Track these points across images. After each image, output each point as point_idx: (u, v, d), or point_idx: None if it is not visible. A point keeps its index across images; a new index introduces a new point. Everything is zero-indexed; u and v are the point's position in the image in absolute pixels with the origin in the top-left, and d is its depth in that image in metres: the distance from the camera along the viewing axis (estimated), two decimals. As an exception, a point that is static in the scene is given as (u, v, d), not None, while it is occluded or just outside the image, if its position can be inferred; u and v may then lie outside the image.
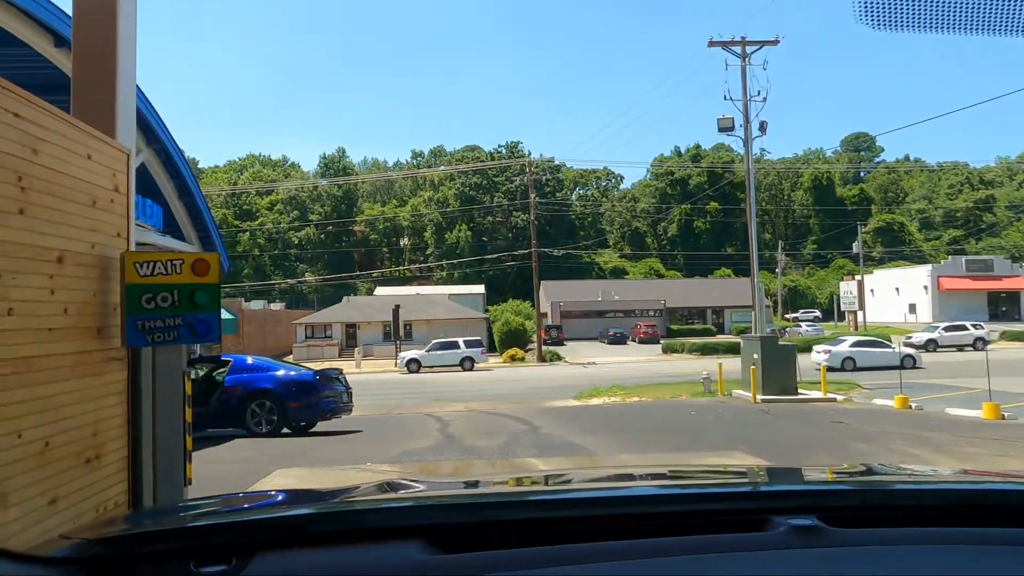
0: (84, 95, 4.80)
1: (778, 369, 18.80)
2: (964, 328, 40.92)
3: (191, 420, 5.35)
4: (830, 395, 19.08)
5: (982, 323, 42.87)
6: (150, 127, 12.56)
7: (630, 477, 2.09)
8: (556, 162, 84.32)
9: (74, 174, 3.95)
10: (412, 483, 1.87)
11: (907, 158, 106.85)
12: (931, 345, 39.12)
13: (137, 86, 11.99)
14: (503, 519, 1.31)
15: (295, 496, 1.77)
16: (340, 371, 14.06)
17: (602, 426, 13.55)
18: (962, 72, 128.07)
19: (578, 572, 1.07)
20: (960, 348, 39.63)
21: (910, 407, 16.69)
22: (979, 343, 39.42)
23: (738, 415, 15.32)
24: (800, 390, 19.29)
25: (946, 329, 40.85)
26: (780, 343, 20.34)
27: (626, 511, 1.34)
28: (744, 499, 1.50)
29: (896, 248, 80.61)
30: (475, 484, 2.14)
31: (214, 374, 13.13)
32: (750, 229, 23.70)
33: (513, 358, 43.33)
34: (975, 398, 18.31)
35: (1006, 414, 14.70)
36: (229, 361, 13.20)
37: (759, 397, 18.09)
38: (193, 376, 13.25)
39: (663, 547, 1.14)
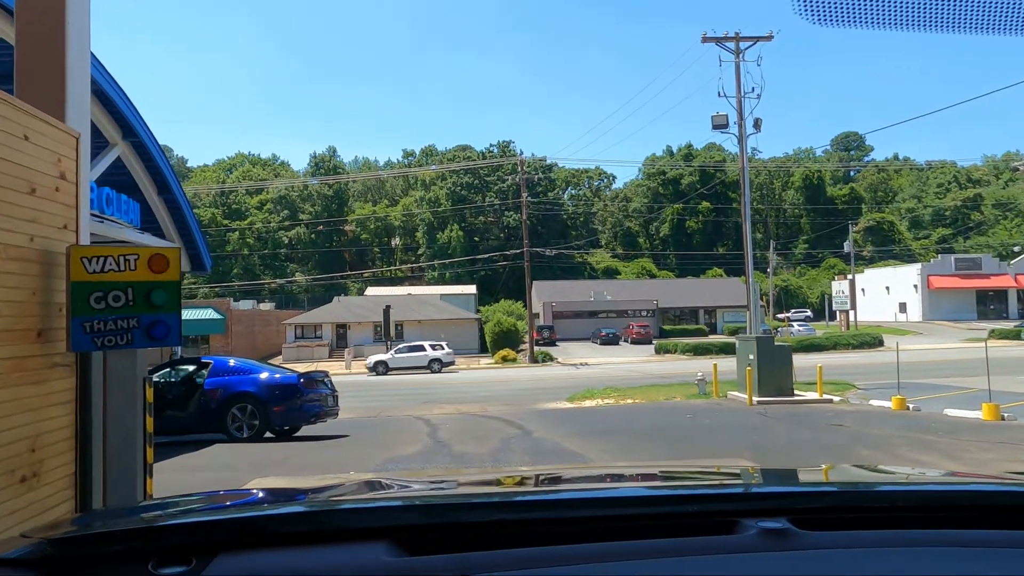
0: (28, 72, 4.34)
1: (774, 370, 18.50)
2: (421, 349, 38.19)
3: (152, 430, 4.92)
4: (826, 396, 18.79)
5: (443, 344, 39.24)
6: (126, 120, 12.08)
7: (606, 478, 2.07)
8: (548, 162, 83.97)
9: (6, 157, 3.50)
10: (388, 483, 1.85)
11: (896, 157, 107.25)
12: (381, 367, 36.67)
13: (111, 76, 11.56)
14: (473, 521, 1.27)
15: (262, 496, 1.72)
16: (325, 373, 13.60)
17: (597, 430, 13.15)
18: (949, 71, 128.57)
19: (543, 575, 1.06)
20: (414, 370, 36.62)
21: (907, 408, 16.40)
22: (435, 364, 37.20)
23: (735, 418, 14.97)
24: (796, 391, 19.01)
25: (399, 351, 38.20)
26: (776, 343, 20.03)
27: (597, 513, 1.32)
28: (715, 501, 1.46)
29: (886, 247, 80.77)
30: (449, 485, 2.10)
31: (194, 376, 12.66)
32: (744, 227, 23.40)
33: (505, 359, 42.93)
34: (972, 398, 18.05)
35: (1005, 415, 14.42)
36: (209, 363, 12.74)
37: (755, 399, 17.78)
38: (172, 379, 12.78)
39: (633, 550, 1.13)
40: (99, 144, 12.50)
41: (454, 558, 1.09)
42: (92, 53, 11.07)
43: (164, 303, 4.11)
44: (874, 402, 18.01)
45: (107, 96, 11.38)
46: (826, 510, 1.38)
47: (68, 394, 4.09)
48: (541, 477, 2.37)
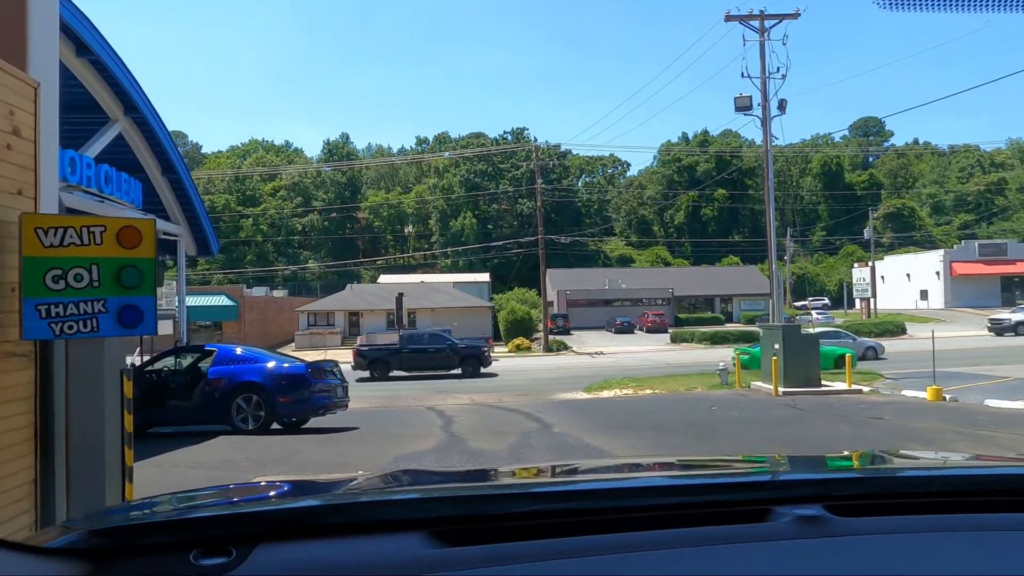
0: (-18, 14, 3.72)
1: (800, 359, 17.83)
2: None
3: (132, 429, 4.34)
4: (855, 386, 18.06)
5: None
6: (127, 94, 11.53)
7: (636, 467, 2.09)
8: (562, 149, 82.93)
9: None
10: (418, 474, 1.91)
11: (916, 142, 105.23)
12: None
13: (112, 47, 10.94)
14: (506, 511, 1.27)
15: (297, 487, 1.74)
16: (335, 363, 13.05)
17: (619, 423, 12.51)
18: (971, 52, 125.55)
19: (578, 566, 1.06)
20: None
21: (944, 399, 15.65)
22: None
23: (763, 410, 14.28)
24: (823, 381, 18.31)
25: None
26: (803, 332, 19.34)
27: (628, 503, 1.30)
28: (748, 489, 1.43)
29: (906, 233, 79.25)
30: (479, 476, 2.09)
31: (197, 365, 12.15)
32: (768, 212, 22.65)
33: (519, 348, 42.39)
34: (1010, 388, 17.36)
35: (1054, 407, 13.67)
36: (214, 351, 12.20)
37: (781, 389, 17.09)
38: (175, 367, 12.29)
39: (666, 539, 1.13)
40: (100, 120, 11.97)
41: (488, 549, 1.09)
42: (91, 22, 10.49)
43: (136, 284, 3.51)
44: (907, 392, 17.28)
45: (107, 68, 10.82)
46: (861, 496, 1.36)
47: (25, 389, 3.50)
48: (568, 469, 2.29)
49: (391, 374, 26.27)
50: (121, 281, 3.49)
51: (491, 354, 28.15)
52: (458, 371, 26.63)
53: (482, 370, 26.95)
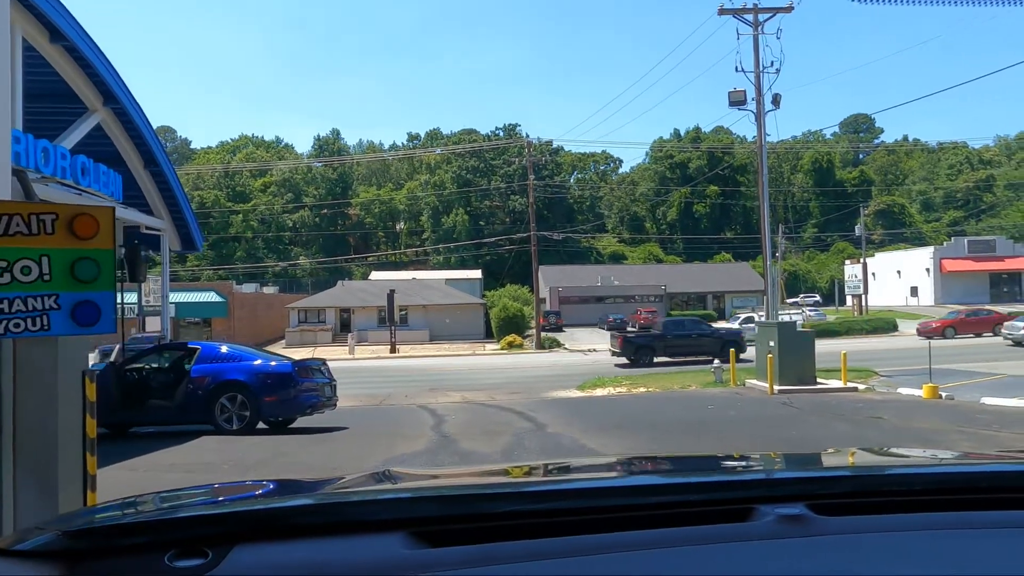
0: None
1: (796, 357, 17.64)
2: None
3: (94, 435, 4.03)
4: (850, 384, 17.89)
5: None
6: (105, 83, 11.14)
7: (621, 466, 2.07)
8: (554, 145, 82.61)
9: None
10: (403, 474, 1.88)
11: (906, 139, 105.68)
12: None
13: (89, 36, 10.54)
14: (488, 511, 1.25)
15: (277, 487, 1.71)
16: (323, 362, 12.71)
17: (614, 423, 12.25)
18: (959, 49, 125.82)
19: (560, 567, 1.06)
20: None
21: (940, 397, 15.49)
22: None
23: (760, 409, 14.06)
24: (817, 379, 18.13)
25: None
26: (799, 330, 19.17)
27: (611, 502, 1.30)
28: (731, 488, 1.42)
29: (896, 230, 79.50)
30: (462, 476, 2.08)
31: (180, 363, 11.80)
32: (762, 208, 22.47)
33: (511, 345, 42.12)
34: (1004, 385, 17.25)
35: (1052, 405, 13.50)
36: (197, 348, 11.85)
37: (776, 387, 16.90)
38: (157, 365, 11.95)
39: (648, 539, 1.12)
40: (77, 110, 11.60)
41: (471, 549, 1.09)
42: (64, 7, 10.11)
43: (92, 278, 3.20)
44: (902, 390, 17.11)
45: (83, 55, 10.45)
46: (844, 495, 1.35)
47: (-31, 394, 3.18)
48: (555, 467, 2.24)
49: (655, 360, 26.23)
50: (75, 274, 3.19)
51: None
52: (715, 357, 26.31)
53: (740, 356, 26.69)
